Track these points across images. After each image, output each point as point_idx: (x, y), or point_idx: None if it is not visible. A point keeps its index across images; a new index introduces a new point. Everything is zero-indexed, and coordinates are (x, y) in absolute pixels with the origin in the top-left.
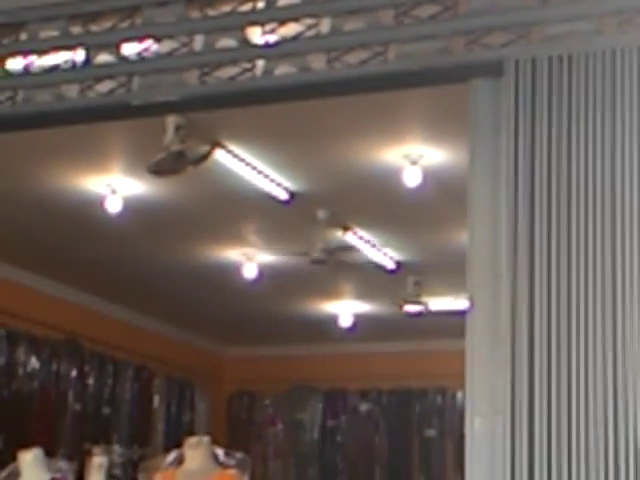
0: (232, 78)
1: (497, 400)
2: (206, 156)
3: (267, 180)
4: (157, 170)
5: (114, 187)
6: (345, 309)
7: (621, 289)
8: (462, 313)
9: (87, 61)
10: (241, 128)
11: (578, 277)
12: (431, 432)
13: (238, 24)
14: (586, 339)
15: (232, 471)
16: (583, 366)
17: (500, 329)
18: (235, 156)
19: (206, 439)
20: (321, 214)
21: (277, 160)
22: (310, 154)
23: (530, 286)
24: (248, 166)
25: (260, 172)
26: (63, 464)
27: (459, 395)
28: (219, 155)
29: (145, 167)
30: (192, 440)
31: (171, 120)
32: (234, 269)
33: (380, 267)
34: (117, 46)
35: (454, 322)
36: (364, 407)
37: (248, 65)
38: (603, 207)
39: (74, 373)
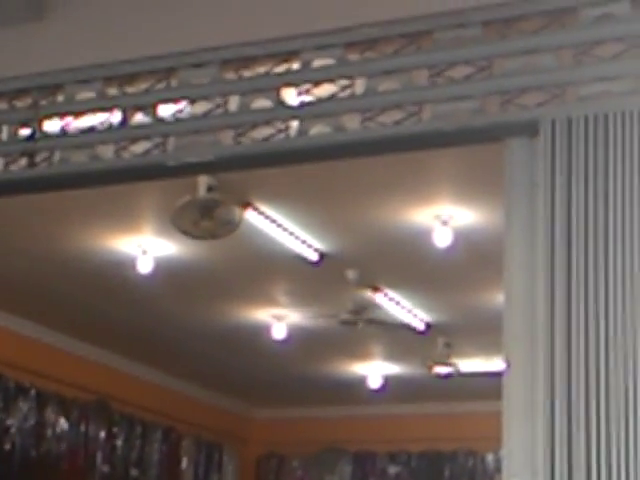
0: (266, 138)
1: (535, 461)
2: (236, 224)
3: (297, 241)
4: (181, 219)
5: (145, 247)
6: (374, 370)
7: None
8: (492, 375)
9: (123, 122)
10: (271, 188)
11: (615, 338)
12: None
13: (273, 85)
14: (626, 400)
15: None
16: (623, 428)
17: (537, 390)
18: (265, 216)
19: None
20: (351, 275)
21: (307, 220)
22: (340, 214)
23: (567, 347)
24: (278, 226)
25: (290, 233)
26: None
27: (489, 458)
28: (249, 215)
29: (170, 218)
30: None
31: (202, 180)
32: (263, 330)
33: (410, 328)
34: (153, 107)
35: (484, 384)
36: (393, 470)
37: (282, 125)
38: None
39: (103, 434)
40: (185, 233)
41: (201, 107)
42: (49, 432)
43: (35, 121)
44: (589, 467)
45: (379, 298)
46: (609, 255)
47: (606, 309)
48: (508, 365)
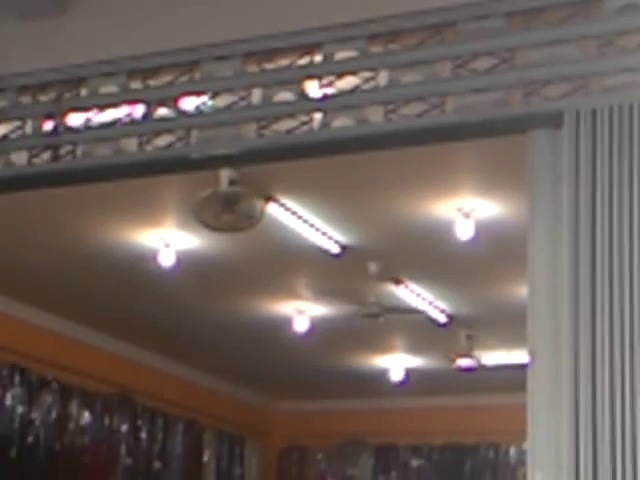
0: (289, 131)
1: (560, 454)
2: (258, 217)
3: (319, 233)
4: (203, 212)
5: (167, 241)
6: (396, 363)
7: None
8: (515, 367)
9: (146, 115)
10: (293, 181)
11: None
12: None
13: (295, 78)
14: None
15: None
16: None
17: (562, 383)
18: (287, 209)
19: None
20: (373, 267)
21: (329, 213)
22: (362, 207)
23: (592, 339)
24: (300, 219)
25: (312, 225)
26: None
27: (512, 450)
28: (271, 209)
29: (193, 211)
30: None
31: (225, 174)
32: (285, 323)
33: (432, 321)
34: (176, 100)
35: (507, 377)
36: (415, 463)
37: (305, 118)
38: None
39: (125, 427)
40: (207, 226)
41: (224, 100)
42: (72, 425)
43: (59, 115)
44: (614, 460)
45: (401, 291)
46: (634, 247)
47: (631, 301)
48: (532, 358)
